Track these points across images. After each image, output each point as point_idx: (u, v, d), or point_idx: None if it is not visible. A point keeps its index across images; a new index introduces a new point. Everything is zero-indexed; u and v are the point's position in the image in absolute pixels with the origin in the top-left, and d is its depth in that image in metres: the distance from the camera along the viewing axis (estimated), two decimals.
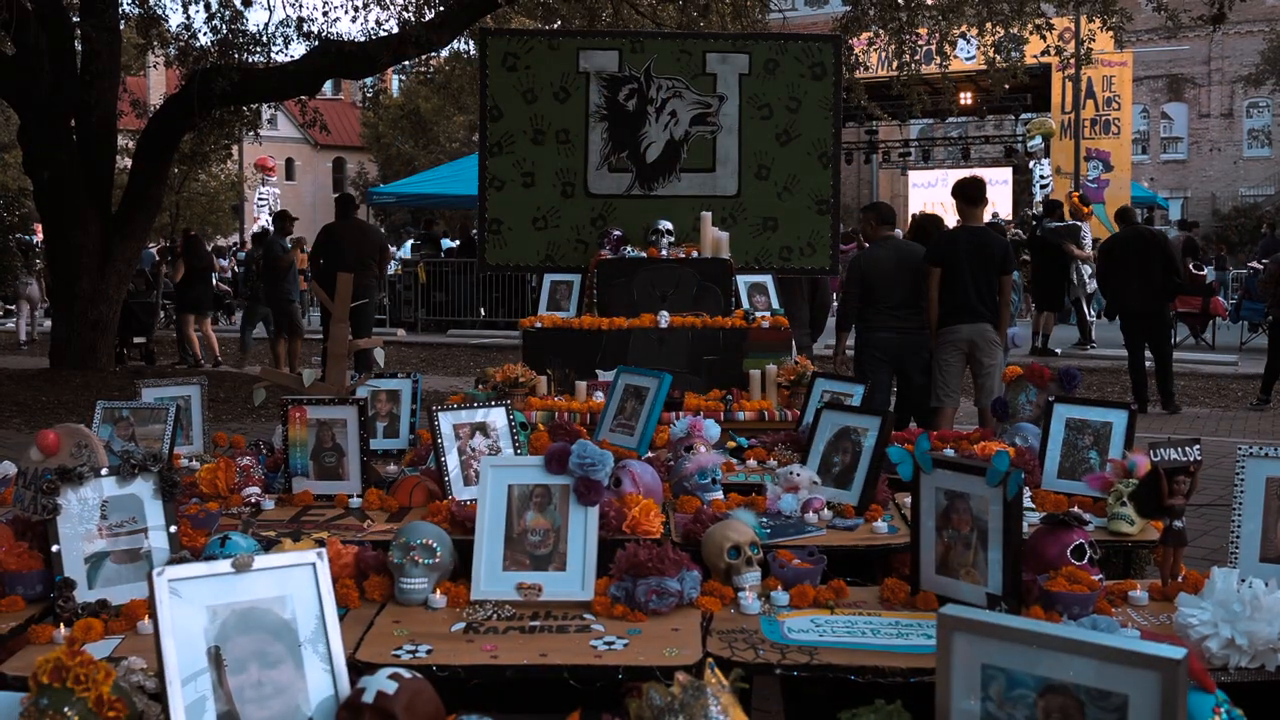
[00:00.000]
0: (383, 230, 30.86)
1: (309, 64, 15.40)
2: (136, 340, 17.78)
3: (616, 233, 7.53)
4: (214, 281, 26.06)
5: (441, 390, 12.58)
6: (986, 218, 9.97)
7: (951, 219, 10.92)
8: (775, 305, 7.47)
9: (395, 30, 15.46)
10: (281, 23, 15.97)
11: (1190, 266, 18.33)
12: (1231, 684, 2.70)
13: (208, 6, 15.49)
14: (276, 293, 15.69)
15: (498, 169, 7.97)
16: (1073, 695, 1.99)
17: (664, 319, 6.93)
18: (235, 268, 30.81)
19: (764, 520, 4.09)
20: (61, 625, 3.09)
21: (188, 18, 17.74)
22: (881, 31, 15.39)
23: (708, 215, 7.55)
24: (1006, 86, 18.62)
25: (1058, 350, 17.75)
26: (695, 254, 7.40)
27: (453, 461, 4.47)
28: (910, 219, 10.23)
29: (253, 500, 4.46)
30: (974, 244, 8.46)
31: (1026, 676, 2.03)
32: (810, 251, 8.01)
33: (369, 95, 28.43)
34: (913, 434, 5.65)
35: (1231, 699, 2.41)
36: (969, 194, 8.83)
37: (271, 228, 18.32)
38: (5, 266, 19.34)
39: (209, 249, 21.85)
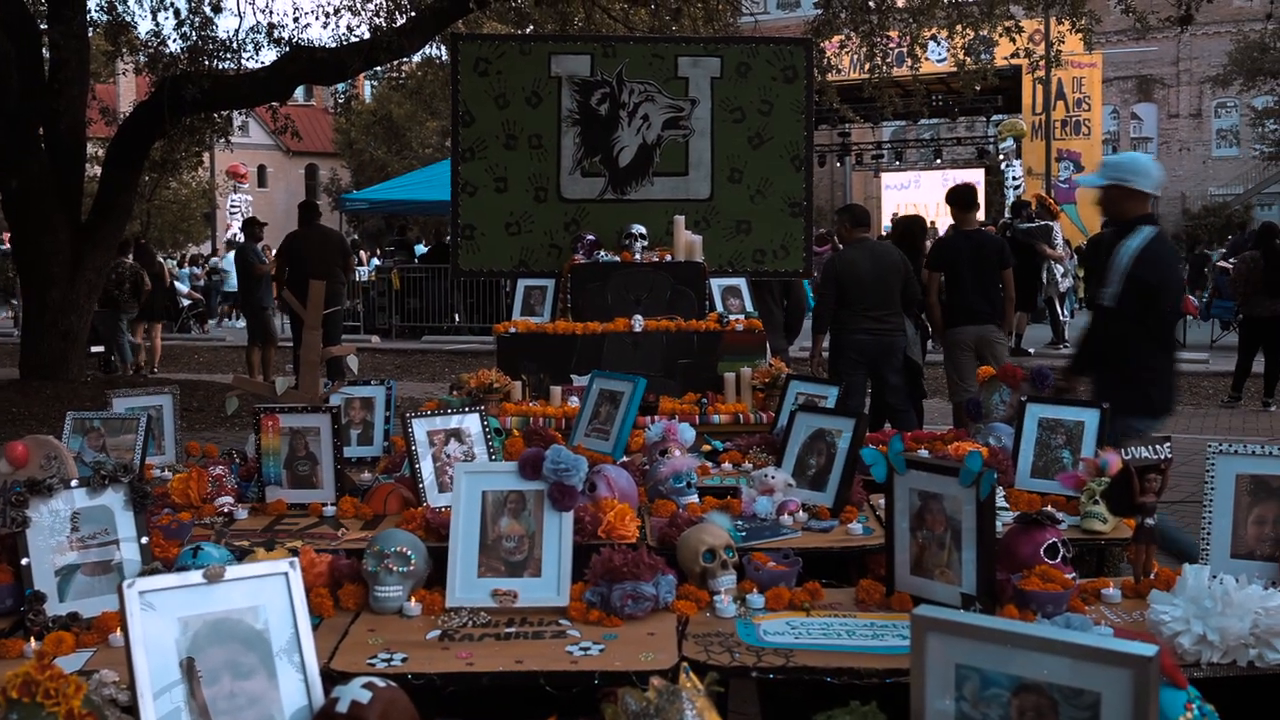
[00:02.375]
0: (355, 236, 30.78)
1: (280, 70, 15.33)
2: (93, 350, 17.62)
3: (590, 237, 7.52)
4: (183, 289, 26.00)
5: (417, 397, 12.56)
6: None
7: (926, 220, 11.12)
8: (749, 308, 7.48)
9: (366, 36, 15.41)
10: (252, 29, 15.85)
11: None
12: (1204, 680, 2.71)
13: (177, 13, 15.40)
14: (250, 300, 15.65)
15: (470, 174, 7.96)
16: (1046, 694, 1.99)
17: (638, 323, 6.92)
18: (208, 276, 30.72)
19: (739, 523, 4.10)
20: (32, 639, 3.07)
21: (157, 24, 17.66)
22: (853, 34, 15.43)
23: (681, 219, 7.55)
24: (977, 88, 18.69)
25: (1031, 350, 17.84)
26: (669, 258, 7.40)
27: (427, 468, 4.46)
28: (891, 220, 10.33)
29: (226, 510, 4.44)
30: (972, 247, 8.87)
31: (1000, 676, 2.04)
32: (784, 254, 8.02)
33: (341, 101, 28.38)
34: (887, 435, 5.67)
35: (1204, 695, 2.43)
36: (964, 199, 9.19)
37: (242, 235, 18.27)
38: None
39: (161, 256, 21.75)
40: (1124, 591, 3.38)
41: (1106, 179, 5.78)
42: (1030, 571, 3.21)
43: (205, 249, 39.99)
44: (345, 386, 5.63)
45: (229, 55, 15.73)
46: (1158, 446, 3.56)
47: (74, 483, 3.37)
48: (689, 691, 2.23)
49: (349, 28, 17.46)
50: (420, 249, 27.58)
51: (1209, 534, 3.43)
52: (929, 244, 10.65)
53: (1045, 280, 18.31)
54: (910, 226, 10.22)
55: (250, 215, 17.06)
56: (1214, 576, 2.90)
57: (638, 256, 7.33)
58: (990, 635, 2.05)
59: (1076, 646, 1.96)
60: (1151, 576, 3.42)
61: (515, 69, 7.99)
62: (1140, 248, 5.48)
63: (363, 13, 16.51)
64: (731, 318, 7.13)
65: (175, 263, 30.59)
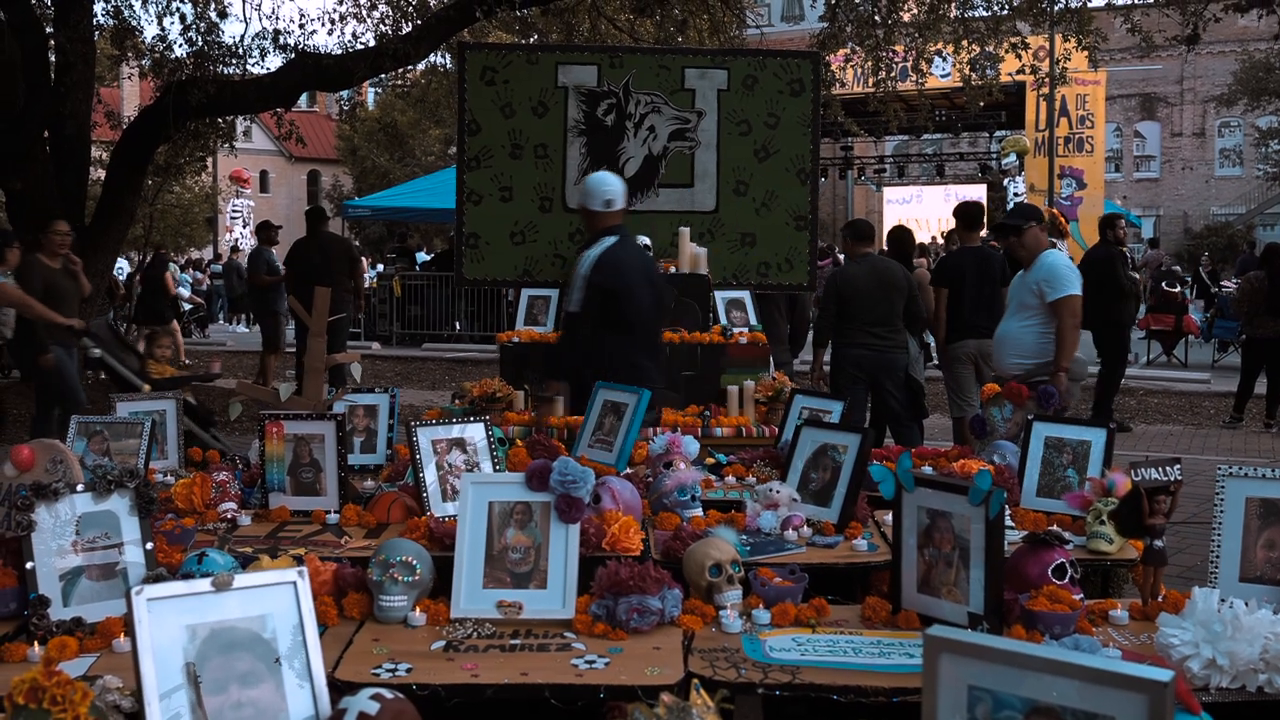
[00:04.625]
0: (357, 243, 30.77)
1: (285, 76, 15.33)
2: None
3: None
4: (184, 293, 25.99)
5: (417, 405, 12.54)
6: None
7: (923, 235, 11.15)
8: (753, 321, 7.48)
9: (372, 43, 15.41)
10: (258, 35, 15.82)
11: (1164, 285, 18.48)
12: (1213, 704, 2.70)
13: (183, 18, 15.40)
14: (262, 306, 15.66)
15: (476, 183, 7.96)
16: (1059, 717, 1.98)
17: None
18: (210, 280, 30.74)
19: (744, 538, 4.08)
20: (35, 643, 3.05)
21: (163, 29, 17.76)
22: (858, 48, 15.44)
23: (686, 231, 7.55)
24: (981, 104, 18.69)
25: None
26: (673, 269, 7.40)
27: (431, 477, 4.45)
28: (888, 233, 10.36)
29: (229, 516, 4.43)
30: (977, 264, 8.91)
31: (1013, 698, 2.02)
32: (788, 268, 8.02)
33: (345, 108, 28.37)
34: (892, 451, 5.66)
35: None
36: (970, 217, 9.30)
37: (255, 240, 18.30)
38: None
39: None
40: (1131, 614, 3.37)
41: (576, 204, 6.34)
42: (1038, 592, 3.20)
43: (207, 254, 39.99)
44: (349, 394, 5.62)
45: (234, 61, 15.73)
46: (1167, 468, 3.54)
47: (79, 487, 3.36)
48: (699, 708, 2.22)
49: (354, 35, 17.41)
50: (422, 256, 27.57)
51: (1218, 557, 3.42)
52: (932, 258, 10.69)
53: None
54: (901, 237, 10.24)
55: (264, 220, 17.02)
56: (1223, 600, 2.89)
57: None
58: (1004, 657, 2.03)
59: (1092, 670, 1.94)
60: (1160, 599, 3.41)
61: (522, 78, 7.99)
62: (597, 257, 5.94)
63: (368, 20, 16.50)
64: (735, 330, 7.12)
65: (177, 267, 30.54)
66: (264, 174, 55.98)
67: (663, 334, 6.36)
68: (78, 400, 9.03)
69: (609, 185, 6.12)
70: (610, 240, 5.99)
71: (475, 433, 4.68)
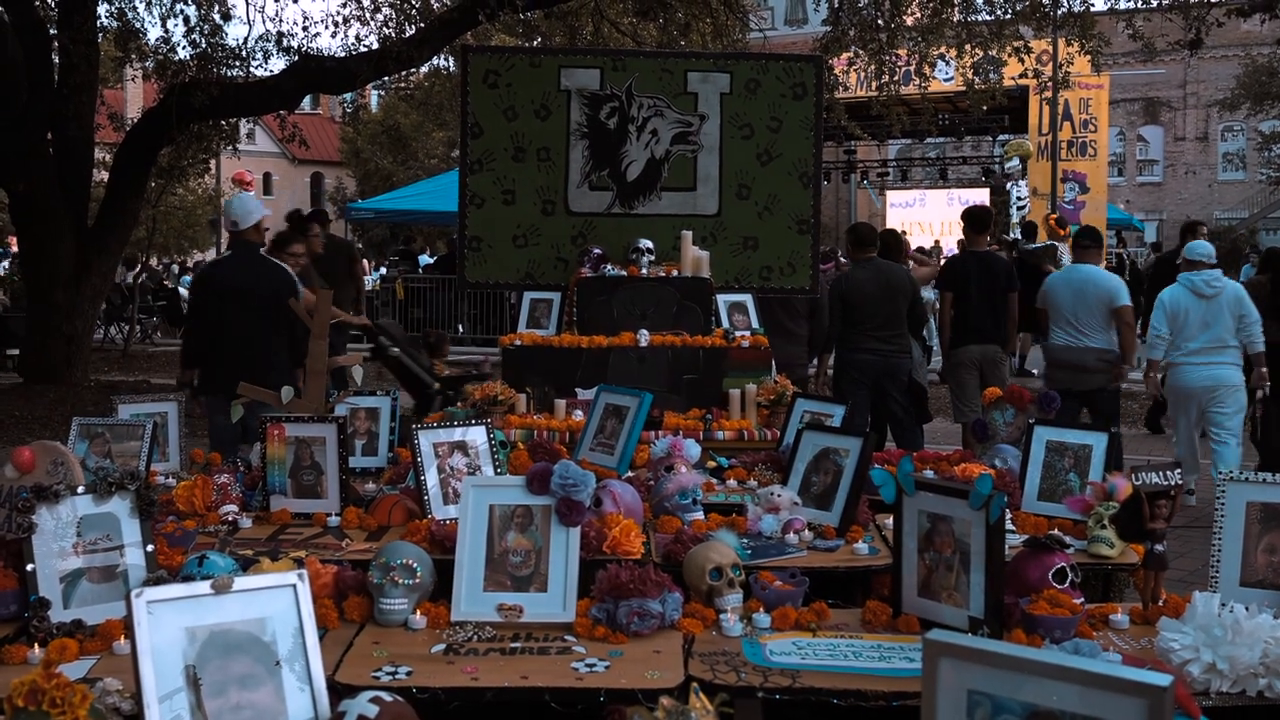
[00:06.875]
0: (359, 245, 30.76)
1: (288, 79, 15.36)
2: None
3: (597, 251, 7.51)
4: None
5: None
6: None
7: (919, 239, 11.15)
8: (755, 324, 7.47)
9: (375, 46, 15.44)
10: (261, 37, 15.89)
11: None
12: (1213, 709, 2.70)
13: (186, 20, 15.43)
14: None
15: (478, 186, 7.96)
16: None
17: (644, 338, 6.91)
18: None
19: (745, 541, 4.08)
20: (36, 645, 3.05)
21: (166, 31, 17.80)
22: (861, 52, 15.46)
23: (688, 234, 7.54)
24: (984, 108, 18.71)
25: (1035, 370, 17.80)
26: (675, 273, 7.39)
27: (432, 480, 4.45)
28: (879, 236, 10.34)
29: (230, 518, 4.43)
30: (981, 268, 8.98)
31: (1013, 703, 2.02)
32: (790, 271, 8.02)
33: (348, 110, 28.40)
34: (893, 455, 5.66)
35: None
36: (977, 221, 9.28)
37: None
38: None
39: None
40: (1132, 618, 3.37)
41: None
42: (1038, 596, 3.20)
43: (210, 256, 40.00)
44: (350, 396, 5.61)
45: (238, 63, 15.77)
46: (1168, 472, 3.54)
47: (80, 489, 3.36)
48: (698, 712, 2.22)
49: (358, 37, 17.36)
50: (424, 259, 27.57)
51: (1219, 562, 3.41)
52: (940, 262, 10.69)
53: None
54: (889, 242, 10.23)
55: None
56: (1224, 605, 2.88)
57: (644, 271, 7.32)
58: (1004, 661, 2.03)
59: (1092, 675, 1.94)
60: (1160, 603, 3.40)
61: (525, 81, 8.00)
62: (204, 266, 7.47)
63: (372, 23, 16.54)
64: (737, 334, 7.11)
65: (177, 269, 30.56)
66: (267, 176, 55.96)
67: (263, 339, 7.01)
68: None
69: (230, 209, 7.18)
70: (227, 254, 7.00)
71: (477, 436, 4.68)
